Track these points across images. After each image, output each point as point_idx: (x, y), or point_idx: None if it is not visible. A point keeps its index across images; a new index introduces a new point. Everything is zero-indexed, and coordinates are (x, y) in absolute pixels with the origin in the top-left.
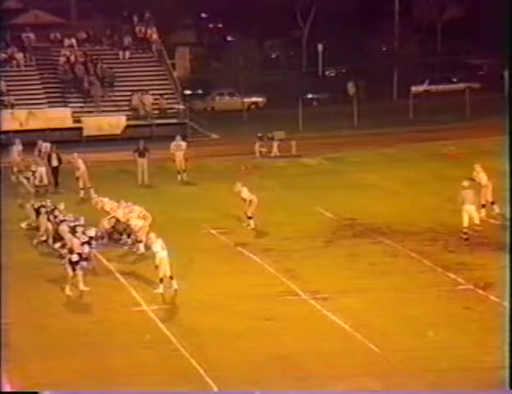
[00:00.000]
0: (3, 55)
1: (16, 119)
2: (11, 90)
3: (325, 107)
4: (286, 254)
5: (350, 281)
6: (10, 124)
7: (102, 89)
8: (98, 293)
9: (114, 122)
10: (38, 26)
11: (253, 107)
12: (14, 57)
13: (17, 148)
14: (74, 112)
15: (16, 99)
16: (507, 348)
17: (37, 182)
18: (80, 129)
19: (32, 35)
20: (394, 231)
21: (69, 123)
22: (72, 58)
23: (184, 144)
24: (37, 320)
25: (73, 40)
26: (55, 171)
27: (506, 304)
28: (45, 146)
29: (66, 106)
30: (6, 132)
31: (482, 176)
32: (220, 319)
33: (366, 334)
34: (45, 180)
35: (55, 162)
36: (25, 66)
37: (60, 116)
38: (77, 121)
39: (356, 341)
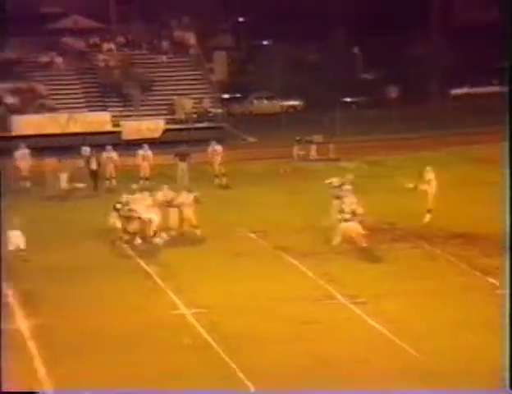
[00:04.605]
0: (44, 59)
1: (56, 123)
2: (52, 94)
3: (363, 111)
4: (326, 258)
5: (389, 285)
6: (50, 128)
7: (140, 93)
8: (136, 295)
9: (153, 126)
10: (77, 31)
11: (290, 110)
12: (54, 61)
13: (23, 152)
14: (113, 116)
15: (57, 103)
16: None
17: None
18: (119, 133)
19: (72, 40)
20: (433, 235)
21: (108, 127)
22: (111, 63)
23: (220, 147)
24: (75, 320)
25: (112, 45)
26: (94, 175)
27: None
28: (85, 150)
29: (105, 110)
30: (46, 135)
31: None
32: (259, 323)
33: (405, 338)
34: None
35: (94, 166)
36: (65, 70)
37: (99, 120)
38: (116, 124)
39: (395, 345)
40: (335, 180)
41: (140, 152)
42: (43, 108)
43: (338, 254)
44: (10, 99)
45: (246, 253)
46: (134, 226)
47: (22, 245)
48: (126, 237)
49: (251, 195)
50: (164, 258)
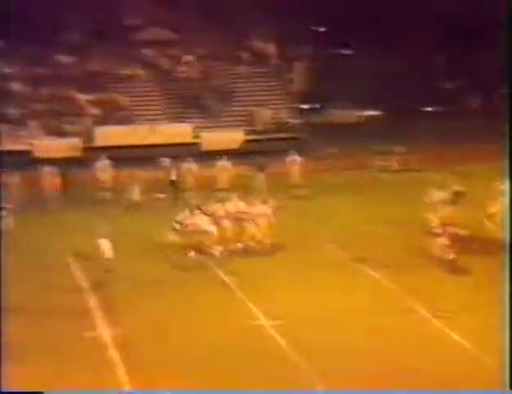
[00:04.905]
0: (125, 71)
1: (137, 134)
2: (133, 106)
3: (444, 121)
4: (405, 270)
5: (469, 298)
6: (131, 139)
7: (220, 105)
8: (214, 306)
9: (232, 137)
10: (157, 43)
11: (370, 120)
12: (135, 73)
13: (104, 163)
14: (193, 128)
15: (138, 115)
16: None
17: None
18: (199, 144)
19: (152, 51)
20: None
21: (188, 138)
22: (191, 74)
23: (299, 158)
24: (156, 329)
25: (192, 56)
26: (174, 186)
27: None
28: (165, 161)
29: (185, 121)
30: (127, 147)
31: None
32: (337, 335)
33: (486, 351)
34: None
35: (174, 177)
36: (146, 82)
37: (179, 132)
38: (196, 136)
39: (476, 358)
40: (437, 193)
41: (219, 163)
42: (124, 120)
43: (420, 265)
44: (92, 111)
45: (324, 263)
46: (193, 238)
47: (108, 255)
48: (189, 250)
49: (330, 206)
50: (241, 268)
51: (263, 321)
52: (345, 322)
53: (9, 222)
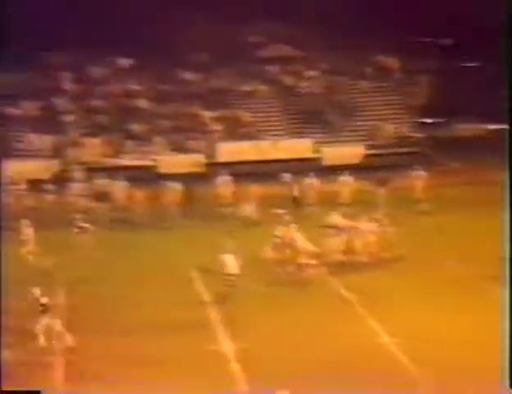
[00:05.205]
0: (247, 88)
1: (258, 150)
2: (255, 122)
3: None
4: None
5: None
6: (252, 155)
7: (342, 119)
8: (336, 322)
9: (353, 152)
10: (280, 59)
11: (495, 134)
12: (257, 89)
13: (224, 178)
14: (315, 143)
15: (259, 130)
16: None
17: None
18: (320, 159)
19: (275, 68)
20: None
21: (309, 153)
22: (314, 89)
23: (422, 173)
24: (278, 345)
25: (315, 72)
26: (295, 201)
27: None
28: (286, 176)
29: (306, 136)
30: (248, 162)
31: None
32: (461, 354)
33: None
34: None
35: (295, 192)
36: (268, 98)
37: (301, 147)
38: (317, 151)
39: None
40: None
41: (341, 178)
42: (246, 136)
43: None
44: (215, 127)
45: (445, 280)
46: (291, 253)
47: (233, 270)
48: (287, 265)
49: (453, 222)
50: (361, 284)
51: (384, 338)
52: (469, 342)
53: (88, 238)
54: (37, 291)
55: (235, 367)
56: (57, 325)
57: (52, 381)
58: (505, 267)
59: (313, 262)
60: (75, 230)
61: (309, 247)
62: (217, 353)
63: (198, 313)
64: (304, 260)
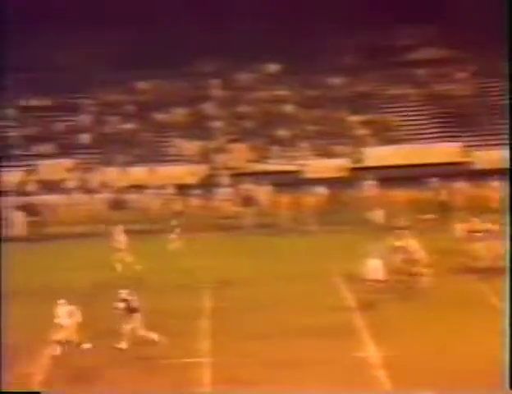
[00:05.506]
0: (395, 91)
1: (405, 154)
2: (401, 125)
3: None
4: None
5: None
6: (399, 159)
7: (491, 122)
8: (482, 329)
9: (503, 156)
10: (430, 62)
11: None
12: (405, 92)
13: (370, 183)
14: (464, 146)
15: (406, 134)
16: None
17: None
18: (470, 163)
19: (423, 70)
20: None
21: (457, 157)
22: (464, 92)
23: None
24: (426, 352)
25: (465, 73)
26: (443, 206)
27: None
28: (433, 181)
29: (455, 140)
30: (395, 167)
31: None
32: None
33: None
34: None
35: (443, 197)
36: (415, 101)
37: (449, 151)
38: (466, 155)
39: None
40: None
41: (490, 183)
42: (393, 140)
43: None
44: (362, 131)
45: None
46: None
47: (378, 275)
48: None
49: None
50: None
51: None
52: None
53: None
54: (127, 294)
55: (380, 373)
56: (141, 329)
57: (201, 382)
58: None
59: (426, 270)
60: (221, 233)
61: (424, 256)
62: (363, 359)
63: (342, 318)
64: (418, 269)
